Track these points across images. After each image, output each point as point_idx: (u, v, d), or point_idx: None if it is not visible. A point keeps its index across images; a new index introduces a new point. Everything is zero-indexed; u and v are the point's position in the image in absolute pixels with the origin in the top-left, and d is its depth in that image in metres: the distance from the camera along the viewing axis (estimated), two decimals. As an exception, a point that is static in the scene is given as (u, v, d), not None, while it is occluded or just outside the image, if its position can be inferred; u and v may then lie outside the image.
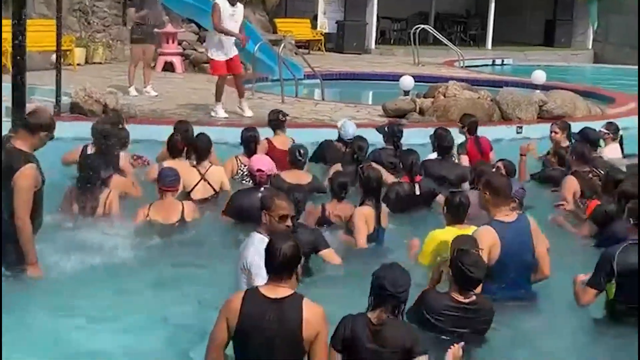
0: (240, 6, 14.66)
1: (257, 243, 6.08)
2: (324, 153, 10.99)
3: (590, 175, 9.53)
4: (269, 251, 5.21)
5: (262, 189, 8.39)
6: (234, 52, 14.64)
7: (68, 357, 5.84)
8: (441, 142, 10.34)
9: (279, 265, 5.16)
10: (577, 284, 6.62)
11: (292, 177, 9.32)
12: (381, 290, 5.29)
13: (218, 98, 14.88)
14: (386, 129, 11.00)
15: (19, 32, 7.36)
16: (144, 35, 16.89)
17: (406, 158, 9.57)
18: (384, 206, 8.26)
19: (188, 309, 6.68)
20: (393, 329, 5.29)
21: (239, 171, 10.01)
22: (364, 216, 8.04)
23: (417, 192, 9.32)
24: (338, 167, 9.97)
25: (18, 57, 7.47)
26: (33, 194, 6.68)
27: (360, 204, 8.15)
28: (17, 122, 7.10)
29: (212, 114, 14.85)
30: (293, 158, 9.50)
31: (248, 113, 14.86)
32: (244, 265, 6.09)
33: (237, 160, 10.07)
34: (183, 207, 8.43)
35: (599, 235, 8.23)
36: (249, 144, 10.14)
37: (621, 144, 12.01)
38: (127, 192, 9.11)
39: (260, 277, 5.76)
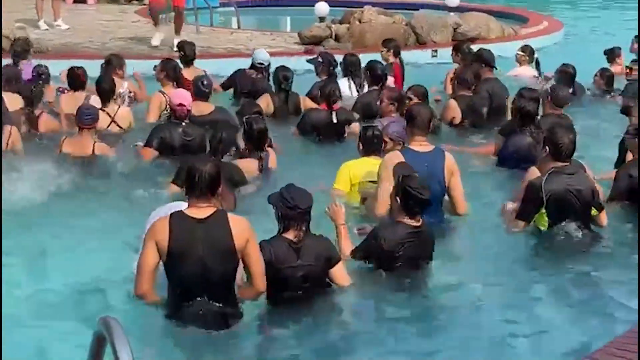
0: None
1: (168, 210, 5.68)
2: (235, 80, 10.98)
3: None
4: (191, 175, 5.25)
5: (182, 123, 8.49)
6: None
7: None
8: (374, 72, 10.32)
9: (204, 187, 5.24)
10: (506, 213, 6.85)
11: (195, 108, 9.19)
12: (291, 210, 5.50)
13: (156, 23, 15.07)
14: (320, 59, 10.92)
15: None
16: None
17: (325, 86, 9.69)
18: (271, 153, 8.10)
19: (105, 236, 6.75)
20: (312, 243, 5.60)
21: (168, 106, 9.57)
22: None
23: (334, 121, 9.44)
24: (267, 98, 10.03)
25: None
26: None
27: (242, 153, 7.97)
28: None
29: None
30: (197, 89, 9.44)
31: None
32: None
33: (164, 95, 9.85)
34: (94, 144, 8.45)
35: (503, 149, 8.41)
36: (176, 74, 10.05)
37: (537, 66, 12.19)
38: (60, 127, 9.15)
39: None
